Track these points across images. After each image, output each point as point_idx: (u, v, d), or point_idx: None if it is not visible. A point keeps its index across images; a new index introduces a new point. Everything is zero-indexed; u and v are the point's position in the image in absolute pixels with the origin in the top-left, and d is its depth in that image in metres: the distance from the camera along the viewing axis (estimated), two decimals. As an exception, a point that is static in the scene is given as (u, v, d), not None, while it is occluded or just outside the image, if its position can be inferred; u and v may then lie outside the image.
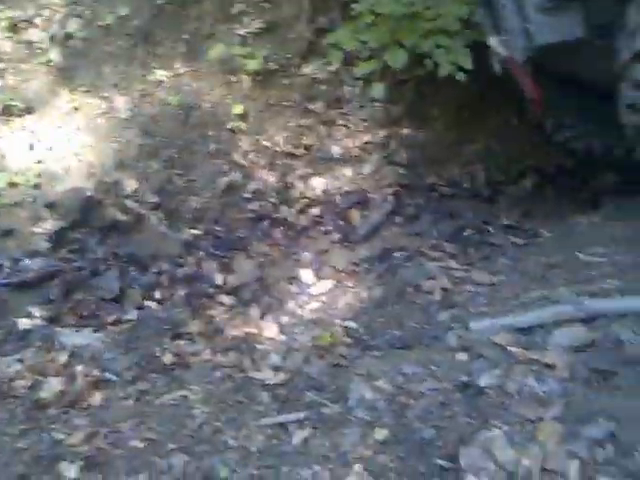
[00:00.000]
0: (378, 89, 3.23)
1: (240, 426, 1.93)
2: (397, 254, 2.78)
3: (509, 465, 1.50)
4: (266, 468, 1.79)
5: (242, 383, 2.15)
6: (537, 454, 1.48)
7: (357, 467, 1.76)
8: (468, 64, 3.00)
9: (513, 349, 1.92)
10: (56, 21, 3.65)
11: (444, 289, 2.53)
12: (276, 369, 2.21)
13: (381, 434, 1.84)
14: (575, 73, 2.74)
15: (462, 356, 1.98)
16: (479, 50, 2.99)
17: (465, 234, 2.93)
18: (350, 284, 2.65)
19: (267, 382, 2.13)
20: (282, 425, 1.91)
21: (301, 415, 1.92)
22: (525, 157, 3.41)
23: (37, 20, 3.65)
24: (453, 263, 2.73)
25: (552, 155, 3.34)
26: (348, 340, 2.33)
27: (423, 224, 2.96)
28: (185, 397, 2.12)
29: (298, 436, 1.87)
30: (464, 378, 1.87)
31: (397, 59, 3.07)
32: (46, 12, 3.68)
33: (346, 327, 2.40)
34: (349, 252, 2.85)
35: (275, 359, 2.27)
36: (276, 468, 1.79)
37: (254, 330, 2.45)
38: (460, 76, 2.98)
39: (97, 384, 2.21)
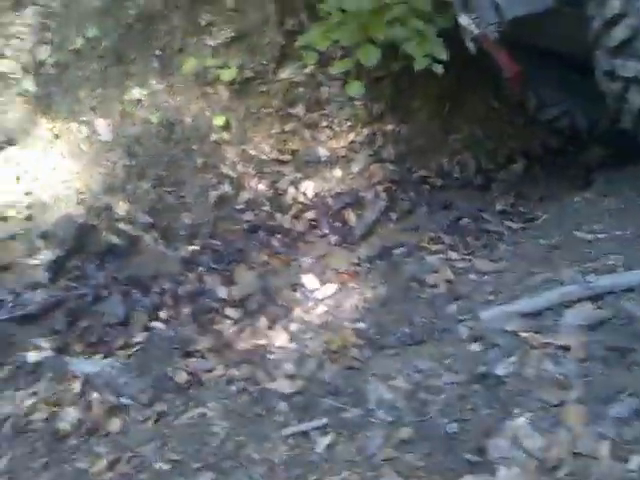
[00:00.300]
0: (356, 87, 3.21)
1: (262, 438, 1.91)
2: (397, 250, 2.78)
3: (538, 452, 1.50)
4: (294, 478, 1.78)
5: (259, 395, 2.13)
6: (565, 438, 1.48)
7: (385, 469, 1.75)
8: (443, 54, 2.98)
9: (526, 335, 1.92)
10: (26, 50, 3.59)
11: (448, 281, 2.54)
12: (291, 377, 2.20)
13: (405, 433, 1.83)
14: (550, 46, 2.73)
15: (475, 347, 1.98)
16: (450, 35, 2.97)
17: (461, 224, 2.93)
18: (354, 285, 2.64)
19: (283, 392, 2.12)
20: (304, 433, 1.90)
21: (322, 422, 1.91)
22: (511, 140, 3.42)
23: (7, 51, 3.58)
24: (453, 254, 2.74)
25: (538, 135, 3.36)
26: (359, 341, 2.32)
27: (419, 218, 2.97)
28: (204, 415, 2.10)
29: (322, 443, 1.86)
30: (481, 369, 1.87)
31: (370, 56, 3.03)
32: (15, 42, 3.61)
33: (355, 328, 2.39)
34: (348, 253, 2.84)
35: (288, 368, 2.25)
36: (303, 477, 1.78)
37: (264, 341, 2.44)
38: (437, 68, 2.97)
39: (114, 410, 2.18)
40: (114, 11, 3.53)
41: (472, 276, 2.59)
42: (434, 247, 2.80)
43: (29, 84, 3.49)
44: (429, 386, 1.97)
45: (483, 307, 2.19)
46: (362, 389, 1.99)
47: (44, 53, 3.55)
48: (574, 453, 1.45)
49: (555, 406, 1.61)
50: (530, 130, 3.38)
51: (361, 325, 2.40)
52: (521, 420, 1.60)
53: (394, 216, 2.97)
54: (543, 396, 1.70)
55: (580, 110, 3.04)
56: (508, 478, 1.50)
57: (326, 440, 1.85)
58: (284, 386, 2.15)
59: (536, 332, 1.94)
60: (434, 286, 2.53)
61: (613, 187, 2.85)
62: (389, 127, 3.38)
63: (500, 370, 1.84)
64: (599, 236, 2.52)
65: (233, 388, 2.20)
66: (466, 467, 1.62)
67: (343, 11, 3.09)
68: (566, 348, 1.86)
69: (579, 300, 1.98)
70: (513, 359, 1.85)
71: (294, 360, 2.28)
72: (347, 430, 1.87)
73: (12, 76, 3.52)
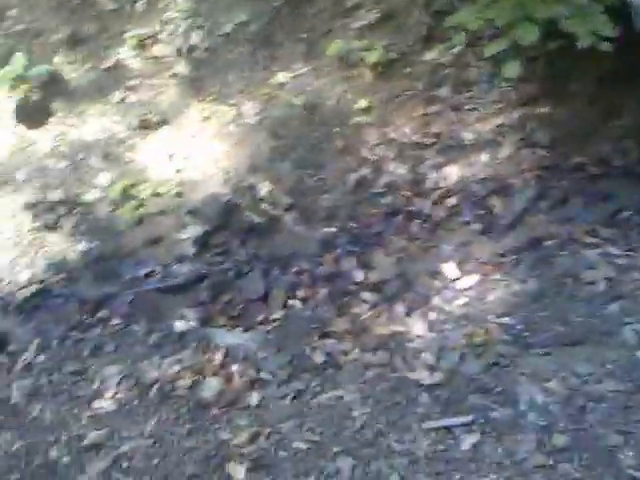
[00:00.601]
0: (512, 68, 2.97)
1: (403, 429, 1.85)
2: (547, 242, 2.56)
3: None
4: (437, 475, 1.70)
5: (397, 383, 2.07)
6: None
7: (537, 476, 1.61)
8: (610, 31, 2.68)
9: None
10: (179, 35, 3.76)
11: (608, 279, 2.29)
12: (431, 369, 2.11)
13: (560, 440, 1.68)
14: None
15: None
16: (615, 14, 2.67)
17: (622, 216, 2.63)
18: (499, 277, 2.47)
19: (423, 382, 2.04)
20: (448, 429, 1.81)
21: (468, 419, 1.81)
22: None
23: (162, 35, 3.78)
24: (613, 249, 2.47)
25: None
26: (505, 337, 2.16)
27: (573, 208, 2.70)
28: (341, 397, 2.08)
29: (467, 441, 1.76)
30: (652, 379, 1.66)
31: (528, 35, 2.81)
32: (169, 27, 3.80)
33: (501, 323, 2.23)
34: (493, 243, 2.66)
35: (428, 358, 2.16)
36: (447, 475, 1.69)
37: (401, 328, 2.36)
38: (606, 46, 2.68)
39: (253, 383, 2.23)
40: (263, -4, 3.59)
41: (635, 274, 2.32)
42: (590, 240, 2.54)
43: (181, 67, 3.66)
44: (588, 392, 1.79)
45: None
46: (511, 388, 1.86)
47: (196, 37, 3.70)
48: None
49: None
50: None
51: (507, 320, 2.24)
52: None
53: (545, 205, 2.73)
54: None
55: None
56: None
57: (472, 438, 1.75)
58: (424, 377, 2.06)
59: None
60: (592, 283, 2.30)
61: None
62: (542, 110, 3.11)
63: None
64: None
65: (370, 373, 2.15)
66: (634, 486, 1.44)
67: (498, -12, 2.88)
68: None
69: None
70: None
71: (433, 350, 2.19)
72: (495, 430, 1.75)
73: (166, 59, 3.73)
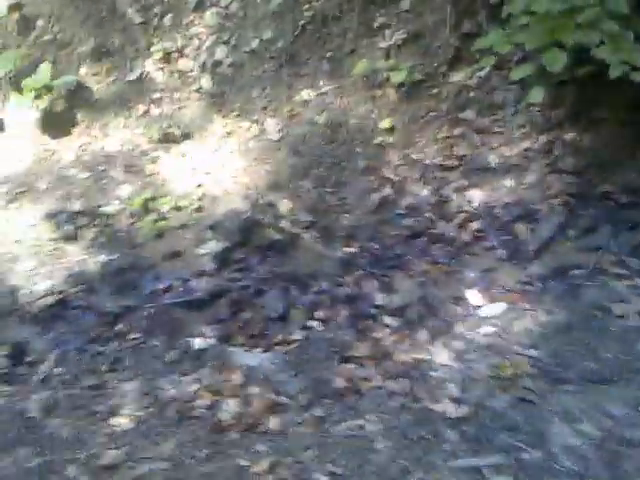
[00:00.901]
0: (537, 93, 2.90)
1: (429, 467, 1.74)
2: (575, 272, 2.46)
3: None
4: (465, 518, 1.59)
5: (422, 416, 1.96)
6: None
7: (572, 524, 1.50)
8: None
9: None
10: (204, 50, 3.71)
11: (639, 313, 2.18)
12: (456, 401, 2.01)
13: (596, 487, 1.57)
14: None
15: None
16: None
17: (651, 247, 2.53)
18: (525, 306, 2.37)
19: (449, 416, 1.93)
20: (476, 469, 1.70)
21: (497, 459, 1.70)
22: None
23: (187, 50, 3.73)
24: (642, 281, 2.36)
25: None
26: (533, 370, 2.06)
27: (601, 237, 2.60)
28: (362, 427, 1.98)
29: (496, 483, 1.65)
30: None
31: (556, 61, 2.73)
32: (195, 42, 3.75)
33: (528, 355, 2.13)
34: (519, 270, 2.56)
35: (453, 389, 2.06)
36: (476, 518, 1.58)
37: (424, 355, 2.26)
38: (636, 76, 2.59)
39: (273, 407, 2.13)
40: (289, 13, 3.53)
41: (667, 310, 2.21)
42: (618, 271, 2.43)
43: (205, 82, 3.61)
44: (623, 436, 1.68)
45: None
46: (542, 428, 1.75)
47: (221, 53, 3.65)
48: None
49: None
50: None
51: (535, 352, 2.14)
52: None
53: (572, 233, 2.64)
54: None
55: None
56: None
57: (502, 480, 1.64)
58: (450, 410, 1.96)
59: None
60: (622, 317, 2.19)
61: None
62: (569, 136, 3.02)
63: None
64: None
65: (393, 403, 2.05)
66: None
67: (530, 13, 2.81)
68: None
69: None
70: None
71: (458, 381, 2.08)
72: (526, 474, 1.64)
73: (190, 74, 3.67)
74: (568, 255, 2.55)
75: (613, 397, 1.84)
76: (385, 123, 3.27)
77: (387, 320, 2.47)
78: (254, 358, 2.40)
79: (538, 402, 1.90)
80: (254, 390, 2.22)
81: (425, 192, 3.01)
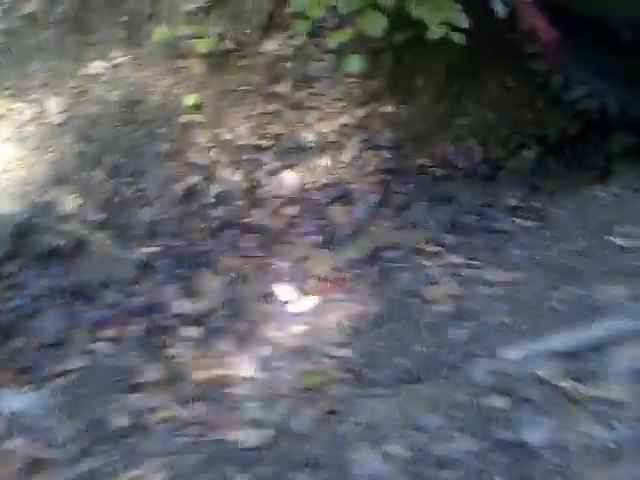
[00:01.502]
0: (354, 62, 2.63)
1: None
2: (390, 253, 2.23)
3: None
4: None
5: (214, 451, 1.59)
6: None
7: None
8: (464, 21, 2.41)
9: (564, 385, 1.38)
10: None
11: (453, 296, 1.99)
12: (254, 424, 1.66)
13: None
14: (590, 12, 2.20)
15: (497, 400, 1.44)
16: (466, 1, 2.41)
17: (465, 221, 2.38)
18: (339, 297, 2.09)
19: (243, 446, 1.58)
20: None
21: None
22: (525, 125, 2.84)
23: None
24: (456, 258, 2.19)
25: (557, 121, 2.79)
26: (342, 375, 1.77)
27: (416, 214, 2.40)
28: (142, 478, 1.57)
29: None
30: (505, 434, 1.33)
31: (375, 25, 2.49)
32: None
33: (338, 357, 1.84)
34: (334, 256, 2.28)
35: (252, 410, 1.71)
36: None
37: (225, 370, 1.89)
38: (458, 38, 2.41)
39: (35, 466, 1.65)
40: (72, -30, 2.94)
41: (481, 288, 2.04)
42: (431, 249, 2.25)
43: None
44: (433, 455, 1.43)
45: (500, 339, 1.65)
46: (346, 457, 1.44)
47: (-8, 19, 2.98)
48: None
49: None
50: (549, 115, 2.80)
51: (345, 352, 1.85)
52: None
53: (388, 212, 2.42)
54: (589, 474, 1.18)
55: (612, 92, 2.49)
56: None
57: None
58: (244, 438, 1.61)
59: (577, 381, 1.40)
60: (435, 302, 1.98)
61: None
62: (387, 109, 2.78)
63: (532, 437, 1.30)
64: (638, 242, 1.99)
65: (184, 439, 1.66)
66: None
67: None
68: (618, 404, 1.33)
69: (633, 337, 1.44)
70: (551, 422, 1.31)
71: (260, 399, 1.74)
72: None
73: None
74: (384, 236, 2.32)
75: (424, 400, 1.59)
76: (191, 99, 2.82)
77: (186, 331, 2.07)
78: (21, 400, 1.89)
79: (345, 415, 1.61)
80: (15, 444, 1.73)
81: (237, 177, 2.63)
